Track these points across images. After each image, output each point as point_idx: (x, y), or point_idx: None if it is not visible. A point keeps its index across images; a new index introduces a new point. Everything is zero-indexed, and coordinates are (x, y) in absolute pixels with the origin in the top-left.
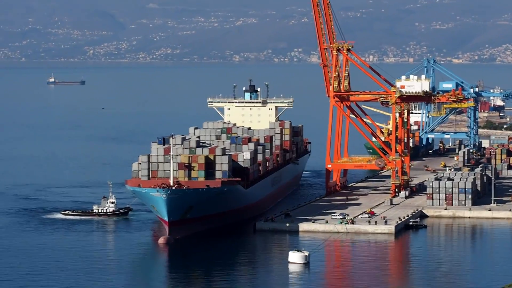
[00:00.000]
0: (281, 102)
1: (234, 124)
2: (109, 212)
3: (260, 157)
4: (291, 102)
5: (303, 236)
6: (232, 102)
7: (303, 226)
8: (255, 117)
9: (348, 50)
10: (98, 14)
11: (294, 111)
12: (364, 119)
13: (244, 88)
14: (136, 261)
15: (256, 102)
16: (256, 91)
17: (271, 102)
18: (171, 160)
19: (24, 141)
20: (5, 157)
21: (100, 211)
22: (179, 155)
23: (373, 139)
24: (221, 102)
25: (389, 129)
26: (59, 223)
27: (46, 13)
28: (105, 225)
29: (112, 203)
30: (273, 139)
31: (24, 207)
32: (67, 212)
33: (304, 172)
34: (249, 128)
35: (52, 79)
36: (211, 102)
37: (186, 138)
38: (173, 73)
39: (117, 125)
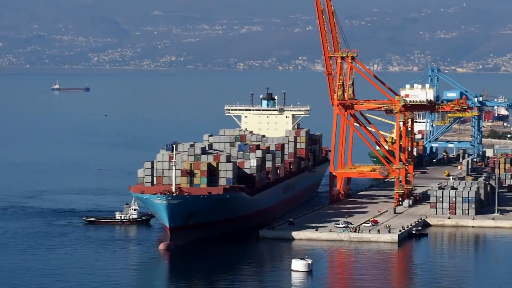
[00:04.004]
0: (298, 110)
1: (251, 132)
2: (132, 219)
3: (269, 164)
4: (308, 110)
5: (306, 244)
6: (250, 110)
7: (307, 234)
8: (272, 124)
9: (353, 58)
10: (103, 21)
11: (313, 120)
12: (368, 128)
13: (261, 96)
14: (139, 269)
15: (273, 110)
16: (274, 99)
17: (288, 110)
18: (174, 166)
19: (28, 147)
20: (11, 163)
21: (123, 218)
22: (183, 162)
23: (377, 147)
24: (239, 110)
25: (393, 137)
26: (81, 232)
27: (51, 19)
28: (127, 232)
29: (135, 210)
30: (287, 147)
31: (42, 215)
32: (91, 218)
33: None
34: (263, 136)
35: (57, 86)
36: (229, 109)
37: (196, 145)
38: (179, 80)
39: (126, 132)
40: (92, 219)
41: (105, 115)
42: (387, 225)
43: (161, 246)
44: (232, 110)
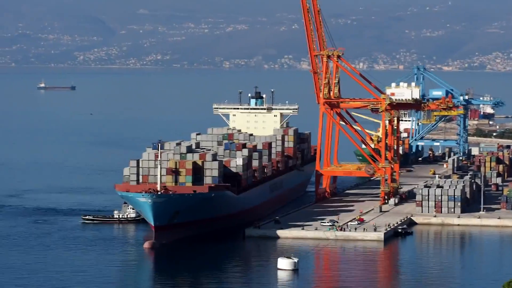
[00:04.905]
0: (286, 109)
1: (239, 131)
2: (130, 218)
3: (256, 163)
4: (296, 109)
5: (292, 242)
6: (238, 108)
7: (293, 233)
8: (260, 123)
9: (338, 57)
10: (89, 20)
11: (301, 118)
12: (354, 126)
13: (249, 95)
14: (124, 268)
15: (262, 109)
16: (262, 97)
17: (276, 109)
18: (159, 165)
19: (14, 147)
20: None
21: (121, 216)
22: (168, 160)
23: (363, 146)
24: (227, 108)
25: (378, 136)
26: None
27: (36, 18)
28: (125, 231)
29: (133, 208)
30: (274, 146)
31: (41, 213)
32: (88, 217)
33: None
34: (251, 135)
35: (43, 84)
36: (217, 108)
37: (182, 143)
38: (165, 79)
39: (112, 131)
40: (90, 217)
41: (91, 114)
42: (373, 224)
43: (146, 245)
44: (220, 108)
